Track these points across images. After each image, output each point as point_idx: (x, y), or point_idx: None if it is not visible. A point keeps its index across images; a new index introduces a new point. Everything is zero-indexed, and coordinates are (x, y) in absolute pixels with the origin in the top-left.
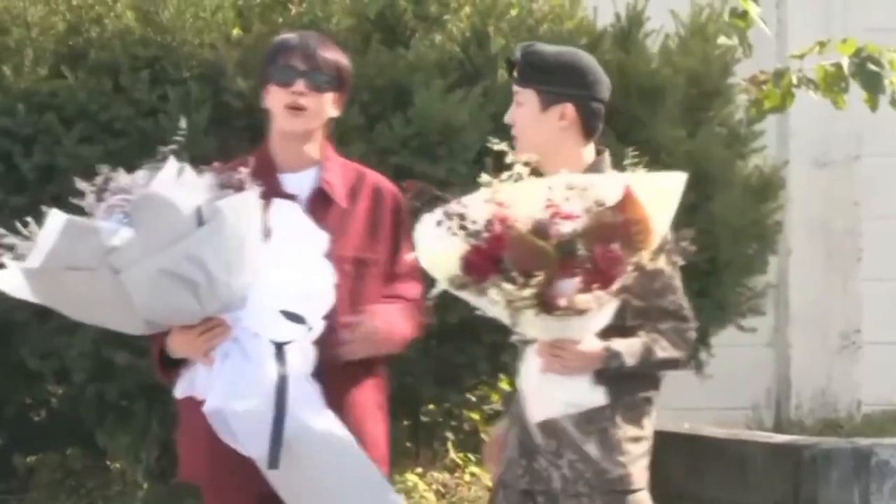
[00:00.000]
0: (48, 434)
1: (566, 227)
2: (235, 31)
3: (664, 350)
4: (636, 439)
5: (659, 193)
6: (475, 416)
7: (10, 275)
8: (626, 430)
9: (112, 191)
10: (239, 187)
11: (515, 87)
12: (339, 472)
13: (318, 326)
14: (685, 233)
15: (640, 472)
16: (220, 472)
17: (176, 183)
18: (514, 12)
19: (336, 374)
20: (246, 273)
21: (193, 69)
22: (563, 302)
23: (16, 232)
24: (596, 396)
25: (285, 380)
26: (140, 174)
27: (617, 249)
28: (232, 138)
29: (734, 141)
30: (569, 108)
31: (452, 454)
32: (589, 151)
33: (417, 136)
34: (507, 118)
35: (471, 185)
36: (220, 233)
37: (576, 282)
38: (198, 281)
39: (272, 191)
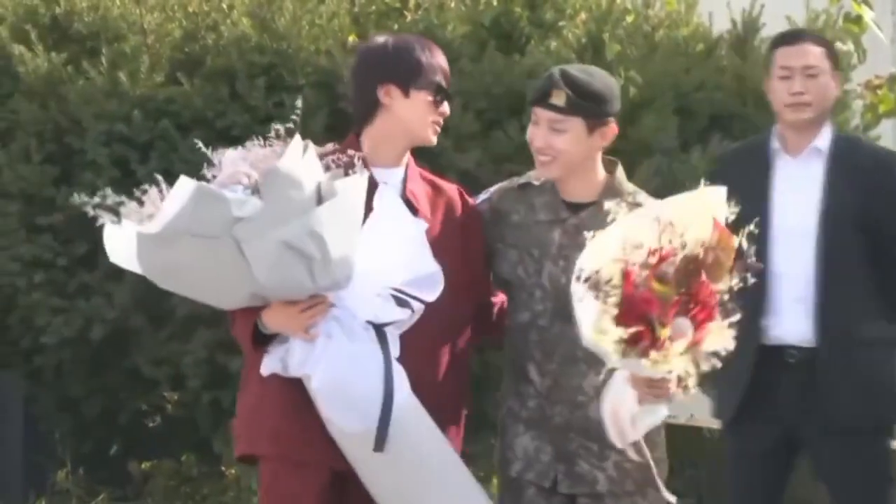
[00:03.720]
0: (163, 440)
1: (671, 269)
2: (351, 38)
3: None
4: (660, 438)
5: (718, 209)
6: None
7: (118, 240)
8: (657, 430)
9: (226, 164)
10: (347, 170)
11: (554, 115)
12: (428, 462)
13: (419, 311)
14: (751, 250)
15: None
16: (299, 446)
17: (301, 160)
18: (629, 19)
19: (420, 358)
20: (353, 253)
21: (309, 76)
22: (683, 341)
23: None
24: (664, 411)
25: (391, 362)
26: (241, 153)
27: (707, 279)
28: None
29: None
30: (612, 128)
31: None
32: (600, 165)
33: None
34: (536, 141)
35: None
36: (337, 211)
37: (688, 321)
38: (315, 256)
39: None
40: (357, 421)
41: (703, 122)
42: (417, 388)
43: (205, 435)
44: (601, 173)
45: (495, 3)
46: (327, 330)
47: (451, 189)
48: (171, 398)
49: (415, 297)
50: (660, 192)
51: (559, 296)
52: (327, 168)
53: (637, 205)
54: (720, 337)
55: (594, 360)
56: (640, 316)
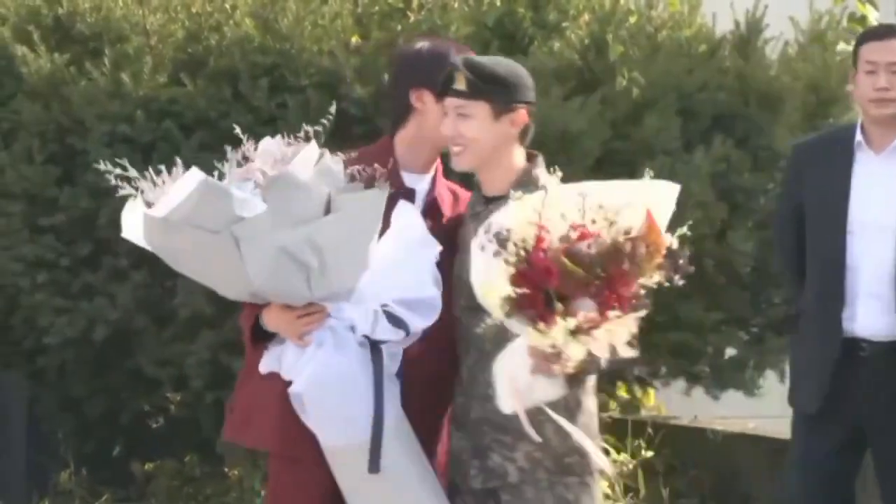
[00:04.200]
0: (166, 441)
1: (591, 249)
2: (354, 39)
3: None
4: (587, 424)
5: (660, 205)
6: None
7: (133, 216)
8: (579, 417)
9: (252, 160)
10: (369, 183)
11: (459, 101)
12: (409, 484)
13: (417, 334)
14: (680, 251)
15: (595, 455)
16: (300, 443)
17: (313, 167)
18: (632, 20)
19: (415, 378)
20: (358, 267)
21: (312, 77)
22: (573, 321)
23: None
24: (560, 390)
25: (381, 380)
26: (278, 145)
27: (629, 270)
28: (350, 146)
29: None
30: (521, 115)
31: None
32: (521, 155)
33: (535, 144)
34: (445, 129)
35: None
36: (344, 225)
37: (593, 303)
38: (312, 266)
39: (394, 184)
40: (337, 435)
41: (706, 123)
42: (417, 412)
43: (208, 435)
44: (518, 165)
45: (499, 3)
46: (319, 338)
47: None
48: (174, 399)
49: (405, 322)
50: None
51: (472, 290)
52: (352, 178)
53: None
54: (620, 328)
55: (498, 351)
56: (535, 283)
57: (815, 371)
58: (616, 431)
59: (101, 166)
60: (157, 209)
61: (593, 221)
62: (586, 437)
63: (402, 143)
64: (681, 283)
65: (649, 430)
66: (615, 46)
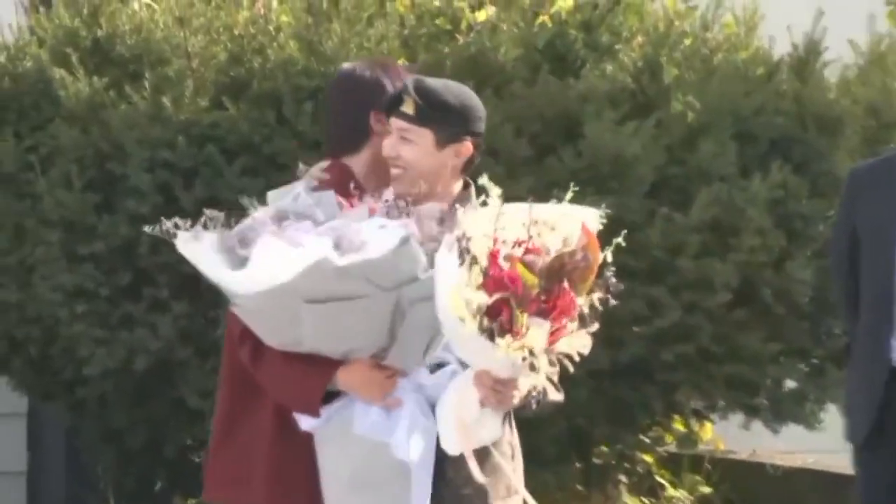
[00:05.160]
0: None
1: (538, 265)
2: (401, 62)
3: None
4: (514, 465)
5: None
6: (649, 458)
7: (269, 254)
8: (516, 460)
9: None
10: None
11: (404, 124)
12: None
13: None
14: (608, 273)
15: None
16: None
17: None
18: (687, 42)
19: None
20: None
21: None
22: (540, 332)
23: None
24: (500, 427)
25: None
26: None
27: (569, 289)
28: None
29: None
30: (466, 146)
31: (626, 498)
32: (457, 185)
33: (588, 169)
34: (386, 149)
35: (644, 220)
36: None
37: (544, 321)
38: (441, 331)
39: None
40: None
41: (763, 148)
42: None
43: None
44: (453, 194)
45: (549, 25)
46: (409, 405)
47: None
48: None
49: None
50: (720, 220)
51: None
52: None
53: None
54: (577, 339)
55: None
56: (503, 290)
57: (864, 400)
58: (672, 466)
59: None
60: (334, 255)
61: (538, 235)
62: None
63: (359, 166)
64: (614, 302)
65: (707, 464)
66: (669, 69)
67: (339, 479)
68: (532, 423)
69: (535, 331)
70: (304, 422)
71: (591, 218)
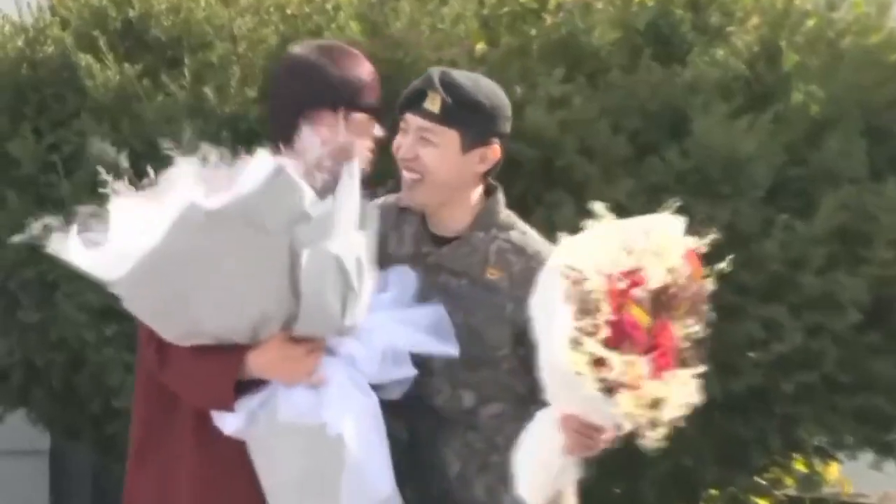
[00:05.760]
0: None
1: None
2: (480, 46)
3: None
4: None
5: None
6: (765, 502)
7: (120, 218)
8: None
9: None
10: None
11: (425, 123)
12: None
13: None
14: (701, 292)
15: None
16: None
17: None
18: (810, 23)
19: None
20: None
21: None
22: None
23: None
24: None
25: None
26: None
27: (669, 322)
28: None
29: None
30: (494, 149)
31: None
32: (478, 194)
33: (695, 171)
34: (401, 150)
35: (761, 229)
36: (369, 242)
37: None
38: (353, 286)
39: None
40: (373, 473)
41: None
42: None
43: None
44: (476, 203)
45: (651, 3)
46: (338, 379)
47: None
48: None
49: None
50: (848, 229)
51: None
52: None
53: (508, 242)
54: (685, 387)
55: (452, 421)
56: (624, 338)
57: None
58: None
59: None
60: (201, 199)
61: (638, 268)
62: None
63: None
64: (705, 331)
65: None
66: (789, 55)
67: (285, 484)
68: (632, 463)
69: (654, 383)
70: (228, 424)
71: (677, 228)
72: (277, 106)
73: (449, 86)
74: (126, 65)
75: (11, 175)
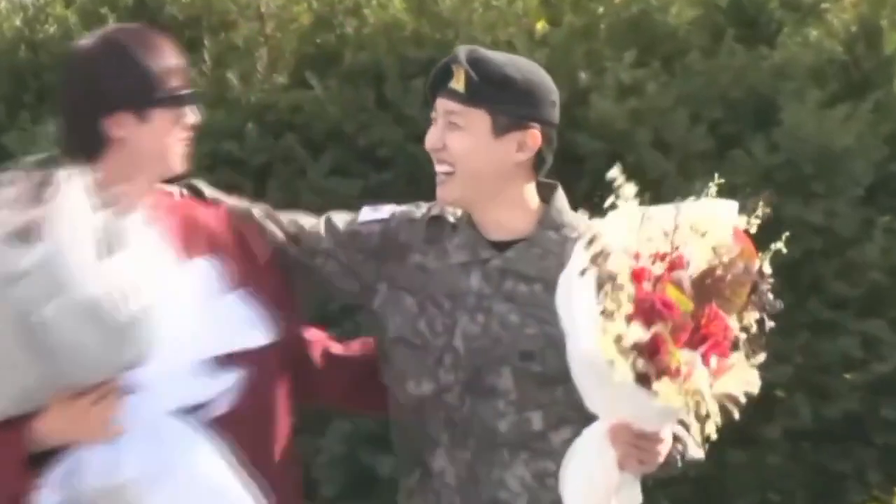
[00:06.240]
0: None
1: (685, 281)
2: (540, 26)
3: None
4: None
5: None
6: None
7: None
8: None
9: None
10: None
11: (452, 105)
12: None
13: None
14: (764, 279)
15: None
16: None
17: (81, 194)
18: None
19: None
20: (156, 312)
21: None
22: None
23: None
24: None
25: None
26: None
27: (718, 309)
28: None
29: None
30: (533, 135)
31: None
32: (533, 192)
33: (785, 167)
34: (429, 140)
35: (859, 232)
36: (133, 260)
37: (696, 354)
38: (117, 320)
39: None
40: None
41: None
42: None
43: None
44: (533, 201)
45: None
46: (143, 419)
47: (213, 216)
48: None
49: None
50: None
51: (474, 362)
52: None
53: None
54: (742, 375)
55: (518, 446)
56: (657, 319)
57: None
58: None
59: None
60: None
61: (683, 243)
62: None
63: (100, 181)
64: (770, 324)
65: None
66: (892, 35)
67: None
68: (713, 496)
69: (699, 369)
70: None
71: (733, 213)
72: (69, 114)
73: (476, 61)
74: None
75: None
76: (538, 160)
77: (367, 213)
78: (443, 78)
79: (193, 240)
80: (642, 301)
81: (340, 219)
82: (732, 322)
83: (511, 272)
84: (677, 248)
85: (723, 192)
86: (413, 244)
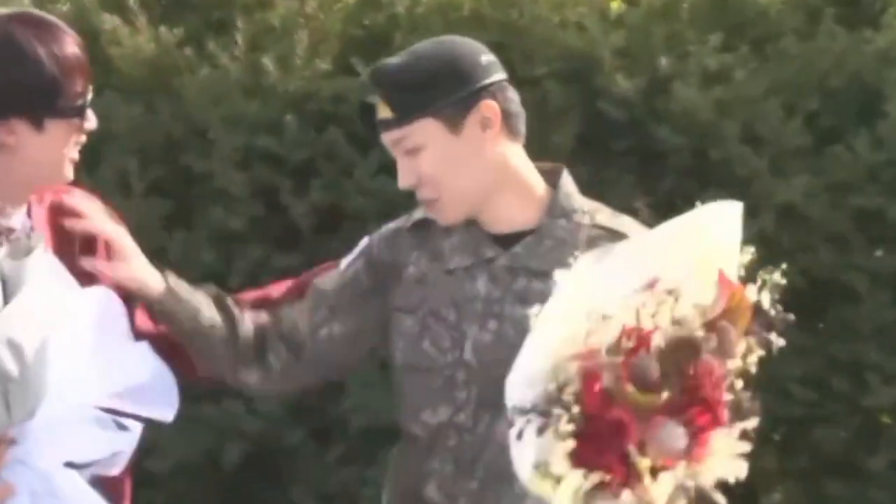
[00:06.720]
0: None
1: (653, 354)
2: (615, 4)
3: None
4: None
5: (726, 237)
6: None
7: None
8: None
9: None
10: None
11: (396, 133)
12: None
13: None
14: (767, 297)
15: None
16: None
17: None
18: None
19: None
20: (63, 363)
21: (552, 62)
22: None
23: None
24: None
25: None
26: None
27: (711, 360)
28: (611, 166)
29: None
30: (487, 106)
31: None
32: (535, 176)
33: (891, 165)
34: (402, 181)
35: None
36: (29, 305)
37: (680, 428)
38: (11, 375)
39: None
40: None
41: None
42: None
43: None
44: (537, 186)
45: None
46: (22, 484)
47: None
48: None
49: (139, 417)
50: None
51: (490, 375)
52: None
53: (599, 228)
54: (728, 456)
55: None
56: (608, 449)
57: None
58: None
59: None
60: None
61: (652, 313)
62: None
63: None
64: (781, 342)
65: None
66: None
67: None
68: None
69: (667, 475)
70: None
71: (732, 214)
72: None
73: (383, 79)
74: (162, 29)
75: None
76: (508, 125)
77: (347, 258)
78: (370, 118)
79: (66, 238)
80: (592, 428)
81: (325, 282)
82: (730, 363)
83: (521, 269)
84: (637, 328)
85: (820, 193)
86: (403, 258)
